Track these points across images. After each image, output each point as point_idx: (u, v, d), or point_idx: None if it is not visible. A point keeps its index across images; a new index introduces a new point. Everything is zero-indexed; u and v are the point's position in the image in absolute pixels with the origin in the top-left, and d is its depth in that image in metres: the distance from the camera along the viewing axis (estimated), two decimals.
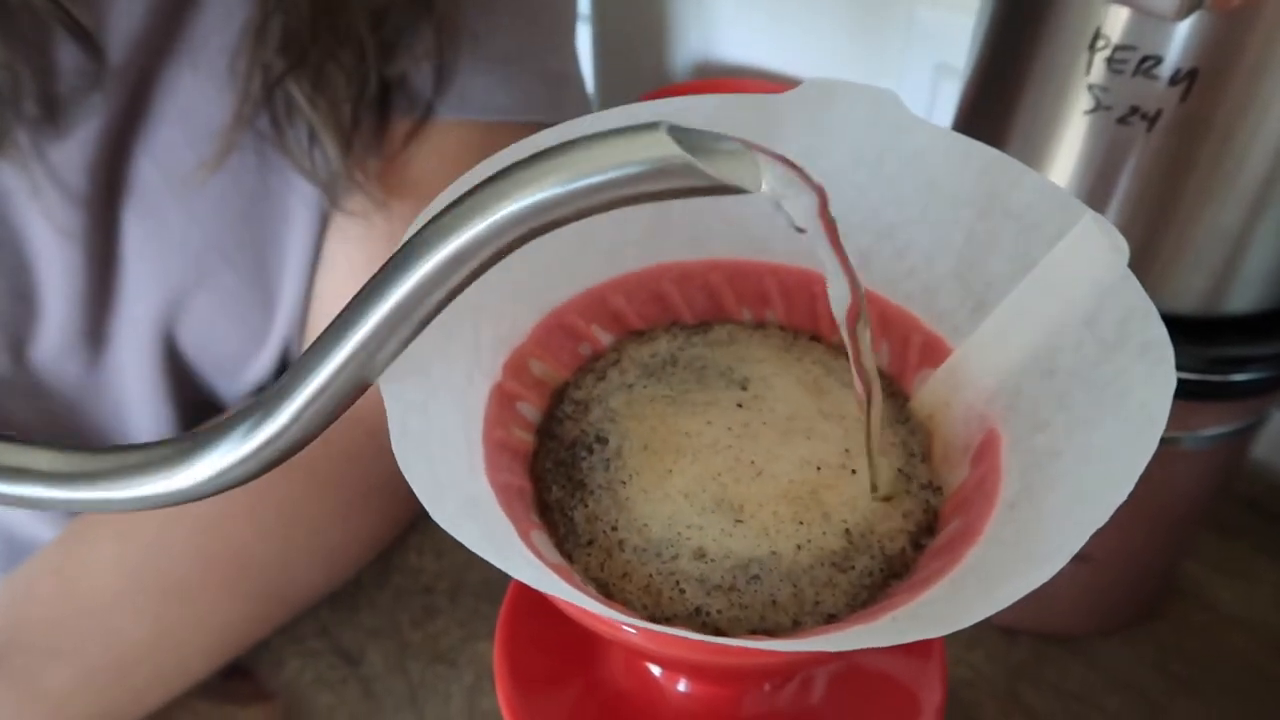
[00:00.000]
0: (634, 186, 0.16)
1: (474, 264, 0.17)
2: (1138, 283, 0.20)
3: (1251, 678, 0.45)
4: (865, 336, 0.20)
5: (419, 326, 0.18)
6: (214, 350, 0.49)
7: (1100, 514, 0.16)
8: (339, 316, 0.18)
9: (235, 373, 0.50)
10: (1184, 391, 0.34)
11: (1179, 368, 0.34)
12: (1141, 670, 0.45)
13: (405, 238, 0.18)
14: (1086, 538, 0.16)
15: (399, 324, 0.18)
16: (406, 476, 0.17)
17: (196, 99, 0.42)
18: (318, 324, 0.48)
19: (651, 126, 0.16)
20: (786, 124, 0.25)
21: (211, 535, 0.42)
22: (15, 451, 0.19)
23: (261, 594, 0.44)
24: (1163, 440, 0.37)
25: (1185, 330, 0.34)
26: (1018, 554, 0.17)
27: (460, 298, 0.22)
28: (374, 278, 0.18)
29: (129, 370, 0.48)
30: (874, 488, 0.22)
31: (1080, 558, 0.42)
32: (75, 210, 0.43)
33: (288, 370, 0.19)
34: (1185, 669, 0.45)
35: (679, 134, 0.16)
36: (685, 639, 0.17)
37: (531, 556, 0.19)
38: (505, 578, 0.29)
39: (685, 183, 0.16)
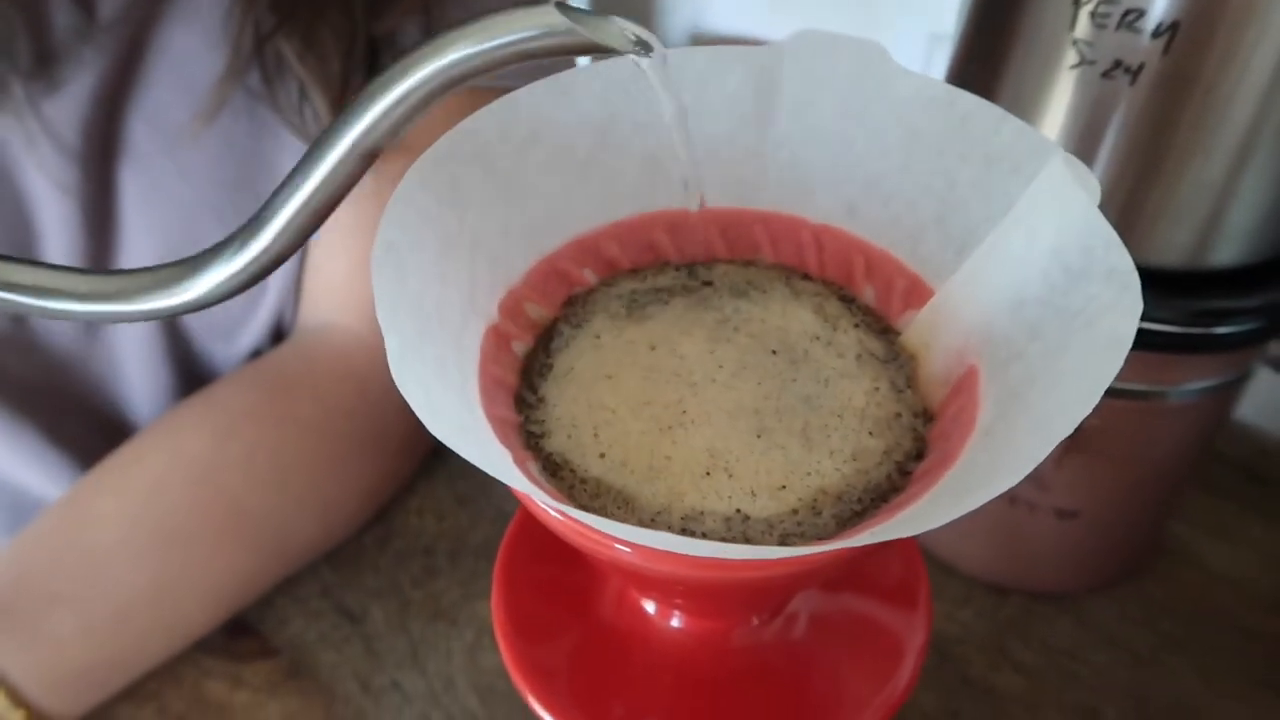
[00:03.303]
0: (530, 45, 0.21)
1: (410, 105, 0.21)
2: (1099, 212, 0.20)
3: (1237, 635, 0.46)
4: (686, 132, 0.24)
5: (366, 161, 0.22)
6: (209, 313, 0.50)
7: (1066, 426, 0.17)
8: (299, 163, 0.22)
9: (229, 335, 0.51)
10: (1169, 344, 0.35)
11: (1164, 321, 0.35)
12: (1129, 627, 0.46)
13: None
14: (1053, 447, 0.17)
15: (353, 157, 0.22)
16: (405, 398, 0.18)
17: (188, 56, 0.43)
18: (311, 285, 0.49)
19: (542, 3, 0.21)
20: (776, 76, 0.26)
21: (207, 485, 0.43)
22: (48, 274, 0.23)
23: (258, 545, 0.44)
24: (1148, 395, 0.38)
25: (1170, 284, 0.35)
26: (989, 471, 0.18)
27: (456, 241, 0.23)
28: (330, 126, 0.22)
29: (126, 332, 0.49)
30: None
31: (1067, 514, 0.43)
32: (70, 165, 0.43)
33: (263, 206, 0.23)
34: (1172, 626, 0.46)
35: (564, 9, 0.21)
36: (677, 552, 0.18)
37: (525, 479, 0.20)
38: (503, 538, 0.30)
39: (568, 43, 0.21)
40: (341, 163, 0.21)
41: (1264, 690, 0.44)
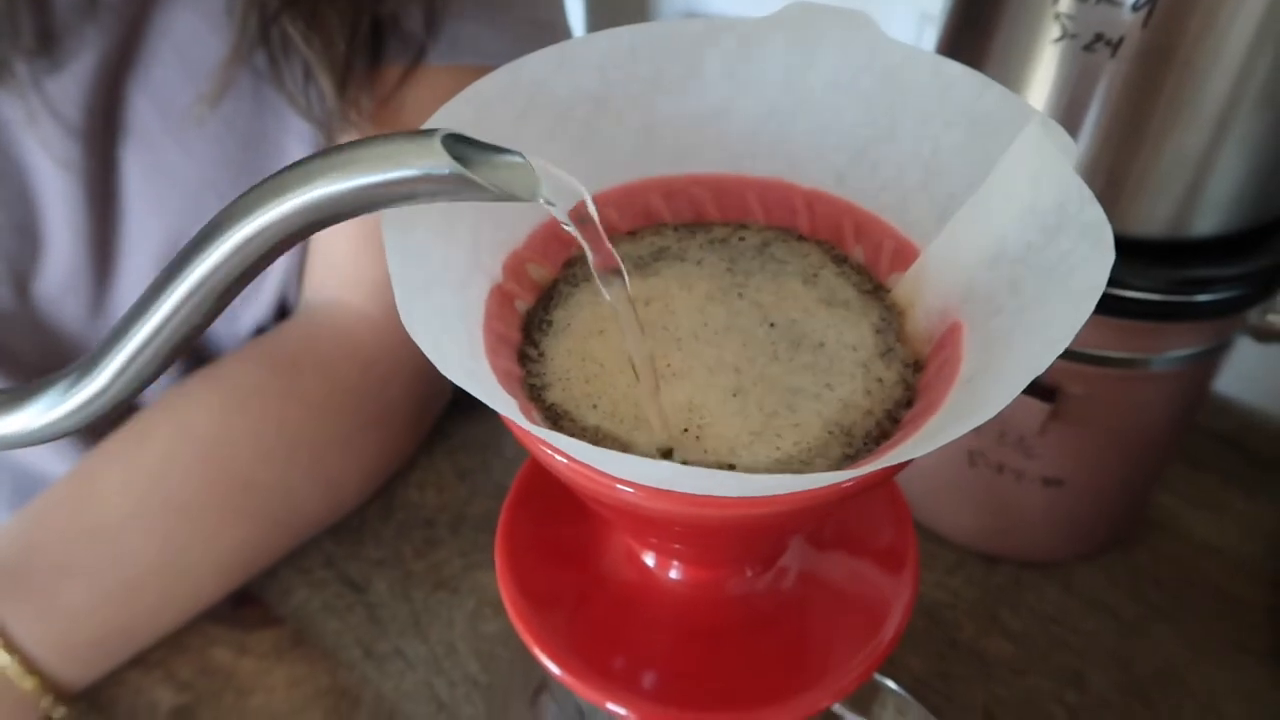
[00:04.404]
0: (405, 189, 0.18)
1: (260, 248, 0.19)
2: (1072, 170, 0.21)
3: (1221, 602, 0.47)
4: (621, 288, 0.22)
5: (219, 301, 0.20)
6: None
7: (1037, 366, 0.18)
8: (141, 297, 0.20)
9: (232, 316, 0.51)
10: (1152, 312, 0.36)
11: (1146, 289, 0.36)
12: (1116, 595, 0.47)
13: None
14: (1028, 381, 0.18)
15: (199, 299, 0.20)
16: (416, 341, 0.19)
17: (192, 37, 0.43)
18: (315, 263, 0.50)
19: (428, 135, 0.18)
20: (767, 47, 0.27)
21: (215, 459, 0.44)
22: None
23: (265, 518, 0.45)
24: (1131, 362, 0.39)
25: (1152, 253, 0.36)
26: (971, 412, 0.19)
27: (461, 204, 0.24)
28: (175, 260, 0.20)
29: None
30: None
31: (1053, 481, 0.44)
32: (72, 143, 0.44)
33: (103, 338, 0.21)
34: (1158, 594, 0.47)
35: (455, 145, 0.18)
36: (678, 491, 0.19)
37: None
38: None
39: (459, 191, 0.18)
40: (188, 300, 0.19)
41: (1244, 655, 0.45)
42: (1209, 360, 0.40)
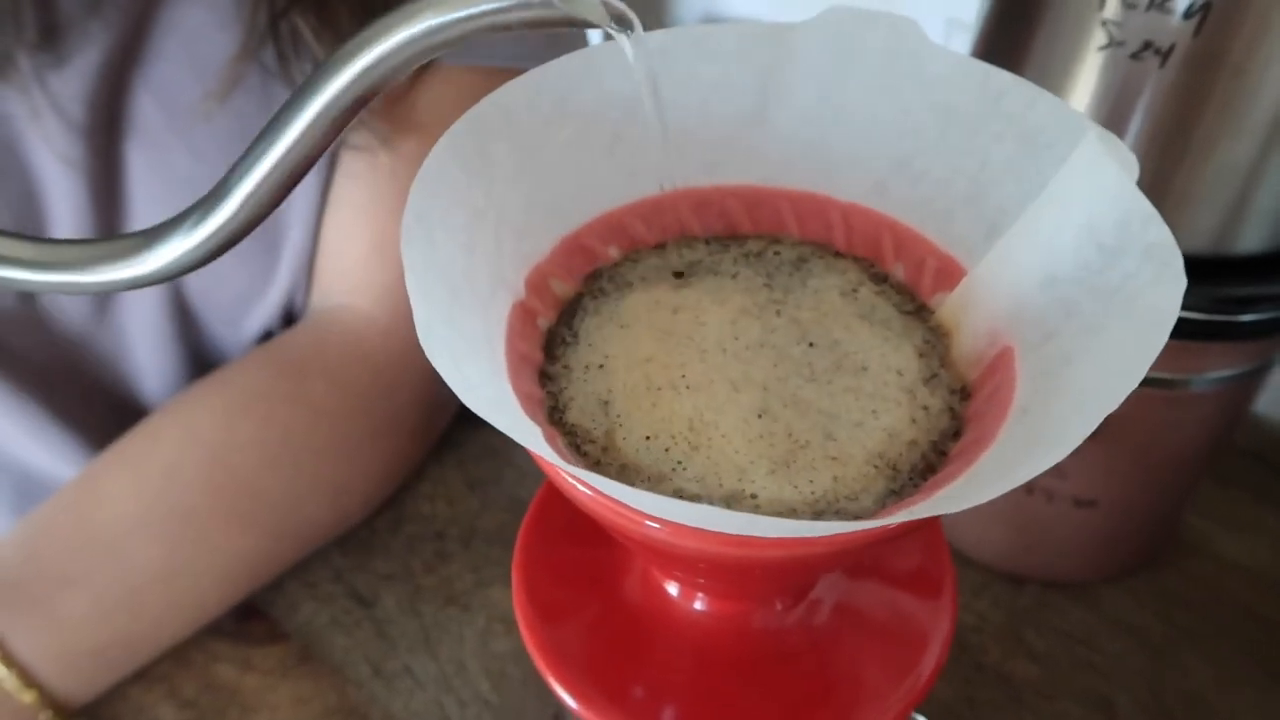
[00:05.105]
0: (502, 16, 0.20)
1: (378, 74, 0.21)
2: (1134, 187, 0.20)
3: (1252, 625, 0.46)
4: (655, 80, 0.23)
5: (335, 129, 0.21)
6: (218, 294, 0.49)
7: (1110, 402, 0.17)
8: (266, 128, 0.21)
9: (239, 316, 0.50)
10: (1192, 331, 0.35)
11: (1187, 308, 0.34)
12: (1143, 616, 0.46)
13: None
14: (1096, 424, 0.17)
15: (320, 127, 0.21)
16: (436, 368, 0.18)
17: (200, 33, 0.42)
18: (324, 267, 0.49)
19: None
20: (806, 53, 0.25)
21: (221, 465, 0.43)
22: None
23: (271, 527, 0.44)
24: (1169, 383, 0.37)
25: (1194, 270, 0.34)
26: (1028, 450, 0.18)
27: (483, 215, 0.23)
28: (295, 92, 0.21)
29: (135, 312, 0.49)
30: None
31: (1085, 503, 0.43)
32: (76, 140, 0.43)
33: (224, 176, 0.22)
34: (1187, 616, 0.46)
35: None
36: (708, 530, 0.18)
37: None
38: (517, 523, 0.30)
39: (542, 14, 0.20)
40: (308, 131, 0.21)
41: (1277, 681, 0.43)
42: (1250, 381, 0.38)
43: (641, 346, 0.23)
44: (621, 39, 0.22)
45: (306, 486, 0.45)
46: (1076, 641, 0.45)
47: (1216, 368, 0.37)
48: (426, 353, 0.18)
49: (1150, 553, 0.47)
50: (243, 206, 0.22)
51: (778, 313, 0.24)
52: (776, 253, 0.26)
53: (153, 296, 0.49)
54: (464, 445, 0.53)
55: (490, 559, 0.48)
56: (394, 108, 0.44)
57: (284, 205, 0.48)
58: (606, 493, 0.18)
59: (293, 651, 0.44)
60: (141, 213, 0.47)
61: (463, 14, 0.20)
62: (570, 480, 0.19)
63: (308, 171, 0.22)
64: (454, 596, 0.46)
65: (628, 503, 0.18)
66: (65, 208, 0.45)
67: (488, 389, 0.20)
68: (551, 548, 0.29)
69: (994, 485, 0.16)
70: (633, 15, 0.22)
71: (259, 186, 0.22)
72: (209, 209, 0.22)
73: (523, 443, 0.18)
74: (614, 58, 0.25)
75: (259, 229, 0.49)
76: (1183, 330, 0.35)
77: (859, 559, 0.28)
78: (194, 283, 0.49)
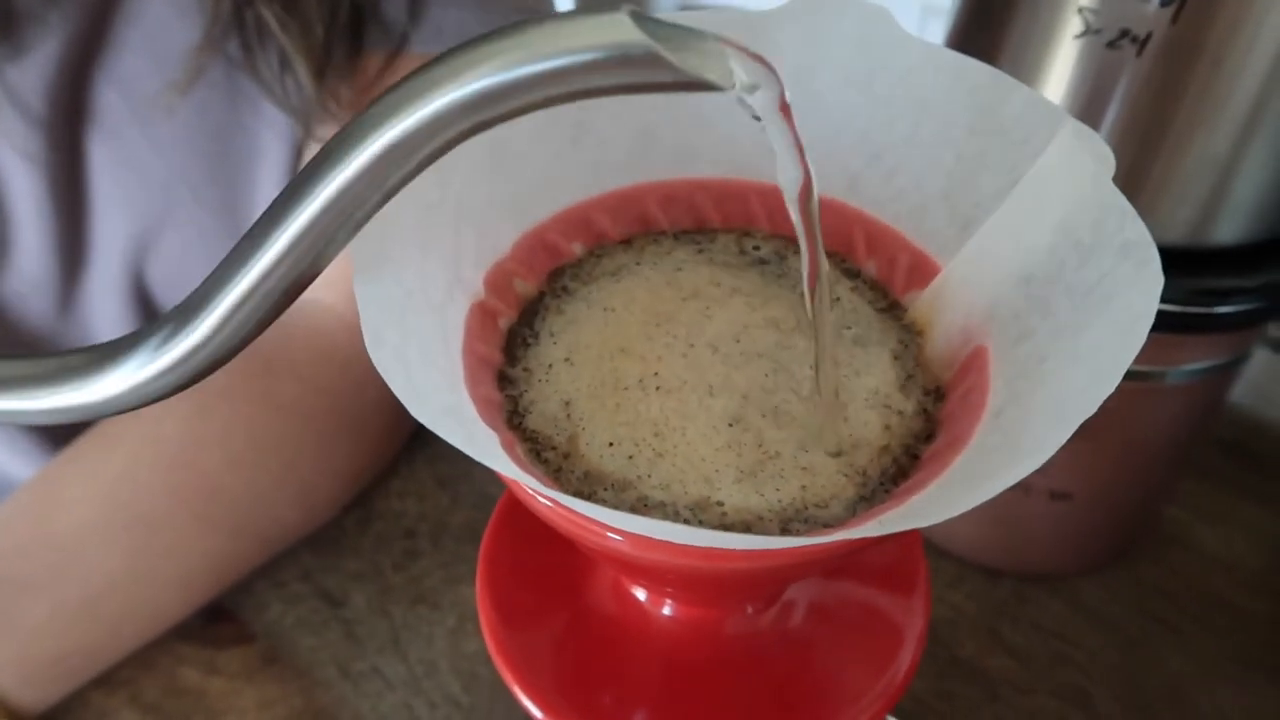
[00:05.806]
0: (590, 77, 0.14)
1: (413, 160, 0.15)
2: (1111, 184, 0.19)
3: (1229, 617, 0.45)
4: (815, 212, 0.19)
5: (352, 230, 0.16)
6: (184, 291, 0.48)
7: (1087, 406, 0.16)
8: (259, 221, 0.17)
9: None
10: (1169, 324, 0.35)
11: (1163, 300, 0.34)
12: (1121, 609, 0.46)
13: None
14: (1073, 429, 0.16)
15: (328, 228, 0.16)
16: (385, 379, 0.17)
17: (161, 22, 0.41)
18: None
19: (613, 11, 0.14)
20: (775, 41, 0.25)
21: (181, 466, 0.42)
22: None
23: (235, 527, 0.43)
24: (1146, 375, 0.37)
25: (1171, 262, 0.34)
26: (1004, 455, 0.17)
27: (439, 211, 0.22)
28: (303, 171, 0.16)
29: (99, 311, 0.48)
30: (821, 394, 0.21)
31: (1061, 495, 0.42)
32: (36, 133, 0.42)
33: (204, 281, 0.17)
34: (1164, 608, 0.46)
35: (644, 22, 0.14)
36: (668, 540, 0.17)
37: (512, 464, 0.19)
38: (487, 519, 0.29)
39: (647, 75, 0.14)
40: (308, 230, 0.16)
41: (1254, 672, 0.43)
42: (1226, 373, 0.38)
43: (619, 335, 0.22)
44: (756, 104, 0.17)
45: (270, 486, 0.44)
46: (1053, 635, 0.44)
47: (1193, 360, 0.36)
48: (375, 363, 0.17)
49: (1127, 545, 0.46)
50: (225, 322, 0.17)
51: (752, 309, 0.23)
52: (756, 248, 0.25)
53: (117, 294, 0.47)
54: (433, 441, 0.52)
55: (460, 556, 0.47)
56: (363, 99, 0.43)
57: (248, 199, 0.47)
58: (566, 505, 0.17)
59: (259, 653, 0.44)
60: (103, 206, 0.45)
61: (534, 70, 0.14)
62: (530, 492, 0.19)
63: (314, 279, 0.17)
64: (424, 595, 0.45)
65: (588, 515, 0.17)
66: (25, 205, 0.44)
67: (442, 397, 0.19)
68: (517, 552, 0.29)
69: (966, 497, 0.15)
70: (768, 71, 0.17)
71: (247, 297, 0.16)
72: (181, 323, 0.17)
73: (477, 458, 0.17)
74: None
75: (220, 217, 0.48)
76: (1160, 322, 0.34)
77: (828, 566, 0.27)
78: (160, 280, 0.48)
